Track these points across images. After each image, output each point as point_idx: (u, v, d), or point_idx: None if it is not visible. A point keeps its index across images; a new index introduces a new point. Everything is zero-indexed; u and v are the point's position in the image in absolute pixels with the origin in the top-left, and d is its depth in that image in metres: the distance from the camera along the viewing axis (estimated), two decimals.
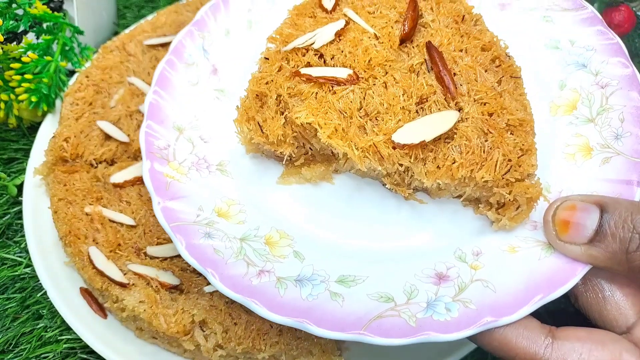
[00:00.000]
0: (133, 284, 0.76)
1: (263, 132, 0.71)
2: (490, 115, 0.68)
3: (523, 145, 0.66)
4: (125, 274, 0.77)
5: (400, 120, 0.68)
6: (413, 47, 0.75)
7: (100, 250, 0.79)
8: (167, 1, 1.30)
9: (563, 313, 0.69)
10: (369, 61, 0.72)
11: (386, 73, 0.72)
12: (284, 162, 0.77)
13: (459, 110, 0.68)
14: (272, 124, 0.70)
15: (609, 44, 0.78)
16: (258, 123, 0.71)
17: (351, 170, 0.77)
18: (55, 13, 1.03)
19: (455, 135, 0.66)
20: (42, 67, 0.98)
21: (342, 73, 0.71)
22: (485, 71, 0.72)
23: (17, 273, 0.89)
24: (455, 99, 0.69)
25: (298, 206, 0.75)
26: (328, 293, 0.63)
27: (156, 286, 0.76)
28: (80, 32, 1.05)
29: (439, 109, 0.68)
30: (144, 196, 0.86)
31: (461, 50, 0.74)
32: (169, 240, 0.82)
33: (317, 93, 0.70)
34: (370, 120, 0.68)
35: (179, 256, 0.80)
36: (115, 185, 0.88)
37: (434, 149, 0.66)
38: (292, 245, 0.70)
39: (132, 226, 0.84)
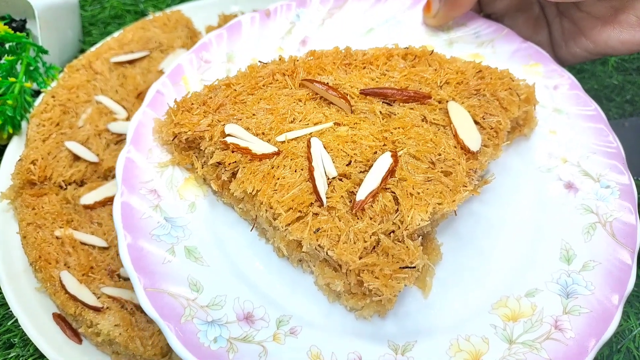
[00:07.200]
0: (107, 308, 0.75)
1: None
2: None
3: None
4: (98, 298, 0.76)
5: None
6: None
7: (72, 275, 0.77)
8: (133, 17, 1.28)
9: None
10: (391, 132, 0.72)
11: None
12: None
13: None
14: None
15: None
16: None
17: None
18: (18, 33, 1.00)
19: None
20: (6, 89, 0.95)
21: (386, 161, 0.68)
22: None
23: None
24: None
25: None
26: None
27: (131, 309, 0.75)
28: (45, 52, 1.03)
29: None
30: None
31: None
32: None
33: None
34: None
35: None
36: (86, 207, 0.86)
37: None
38: None
39: (104, 248, 0.82)
